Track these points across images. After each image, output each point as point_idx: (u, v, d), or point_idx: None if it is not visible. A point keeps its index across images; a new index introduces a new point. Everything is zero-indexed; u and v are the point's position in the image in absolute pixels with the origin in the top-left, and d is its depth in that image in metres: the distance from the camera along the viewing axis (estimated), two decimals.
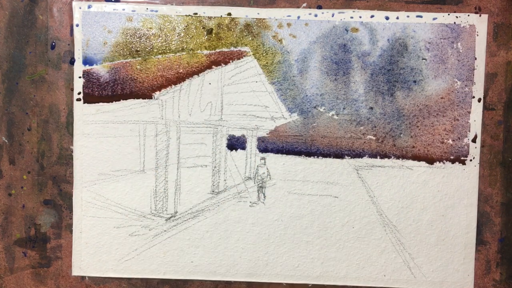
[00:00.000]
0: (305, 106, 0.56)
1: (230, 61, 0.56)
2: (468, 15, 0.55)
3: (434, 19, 0.55)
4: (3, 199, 0.56)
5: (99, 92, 0.55)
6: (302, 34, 0.55)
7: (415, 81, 0.55)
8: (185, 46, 0.55)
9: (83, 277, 0.57)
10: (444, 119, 0.56)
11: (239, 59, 0.56)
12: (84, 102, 0.55)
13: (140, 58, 0.55)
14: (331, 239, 0.56)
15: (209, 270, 0.56)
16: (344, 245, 0.56)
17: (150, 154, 0.56)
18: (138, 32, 0.55)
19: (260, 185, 0.56)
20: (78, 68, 0.55)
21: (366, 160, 0.56)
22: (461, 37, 0.55)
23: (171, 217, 0.56)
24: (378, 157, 0.56)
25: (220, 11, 0.55)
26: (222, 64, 0.56)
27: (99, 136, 0.56)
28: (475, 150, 0.56)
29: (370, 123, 0.56)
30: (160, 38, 0.55)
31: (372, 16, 0.55)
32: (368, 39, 0.55)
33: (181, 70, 0.55)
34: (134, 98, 0.56)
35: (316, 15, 0.55)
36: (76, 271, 0.57)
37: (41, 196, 0.56)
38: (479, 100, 0.56)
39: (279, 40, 0.55)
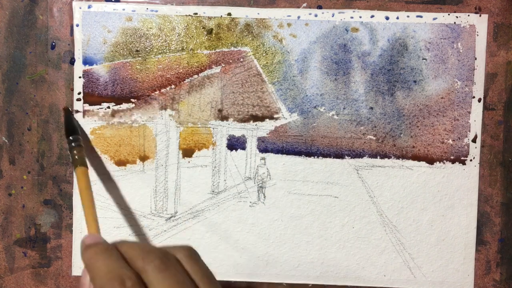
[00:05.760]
0: (305, 106, 0.56)
1: (230, 61, 0.56)
2: (468, 15, 0.55)
3: (434, 19, 0.55)
4: (3, 199, 0.56)
5: (99, 92, 0.55)
6: (302, 34, 0.55)
7: (415, 81, 0.55)
8: (185, 46, 0.55)
9: None
10: (444, 119, 0.56)
11: (239, 59, 0.56)
12: (84, 102, 0.55)
13: (140, 58, 0.55)
14: (331, 239, 0.56)
15: None
16: (344, 245, 0.56)
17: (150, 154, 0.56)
18: (138, 32, 0.55)
19: (260, 185, 0.56)
20: (78, 68, 0.55)
21: (366, 160, 0.56)
22: (461, 37, 0.55)
23: (171, 217, 0.56)
24: (378, 157, 0.56)
25: (220, 11, 0.55)
26: (222, 64, 0.56)
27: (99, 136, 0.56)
28: (475, 150, 0.56)
29: (370, 123, 0.56)
30: (160, 38, 0.55)
31: (372, 16, 0.55)
32: (368, 39, 0.55)
33: (181, 70, 0.55)
34: (134, 98, 0.56)
35: (316, 15, 0.55)
36: (76, 271, 0.57)
37: (41, 196, 0.56)
38: (479, 100, 0.56)
39: (280, 40, 0.55)
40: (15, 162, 0.56)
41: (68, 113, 0.53)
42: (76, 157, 0.48)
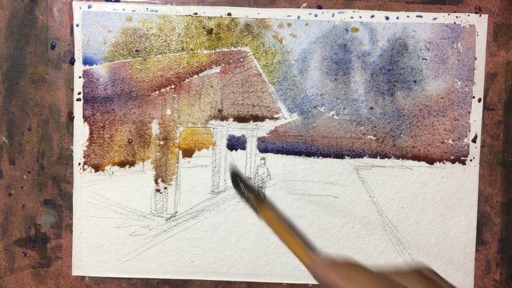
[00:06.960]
0: (305, 106, 0.56)
1: (230, 61, 0.56)
2: (468, 15, 0.55)
3: (434, 19, 0.55)
4: (3, 199, 0.56)
5: (99, 92, 0.55)
6: (302, 34, 0.55)
7: (415, 81, 0.55)
8: (185, 46, 0.55)
9: (83, 277, 0.57)
10: (444, 119, 0.56)
11: (239, 59, 0.56)
12: (84, 102, 0.55)
13: (140, 58, 0.55)
14: (331, 239, 0.56)
15: (209, 270, 0.56)
16: (344, 245, 0.56)
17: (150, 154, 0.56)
18: (138, 32, 0.55)
19: (260, 185, 0.56)
20: (78, 68, 0.55)
21: (366, 160, 0.56)
22: (461, 37, 0.55)
23: (171, 217, 0.56)
24: (378, 157, 0.56)
25: (220, 11, 0.55)
26: (222, 64, 0.56)
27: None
28: (475, 150, 0.56)
29: (370, 123, 0.56)
30: (160, 38, 0.55)
31: (372, 16, 0.55)
32: (368, 39, 0.55)
33: (181, 70, 0.55)
34: (134, 98, 0.56)
35: (316, 15, 0.55)
36: (76, 271, 0.57)
37: (41, 196, 0.56)
38: (479, 100, 0.56)
39: (280, 40, 0.55)
40: (15, 162, 0.56)
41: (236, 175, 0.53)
42: (254, 201, 0.48)
